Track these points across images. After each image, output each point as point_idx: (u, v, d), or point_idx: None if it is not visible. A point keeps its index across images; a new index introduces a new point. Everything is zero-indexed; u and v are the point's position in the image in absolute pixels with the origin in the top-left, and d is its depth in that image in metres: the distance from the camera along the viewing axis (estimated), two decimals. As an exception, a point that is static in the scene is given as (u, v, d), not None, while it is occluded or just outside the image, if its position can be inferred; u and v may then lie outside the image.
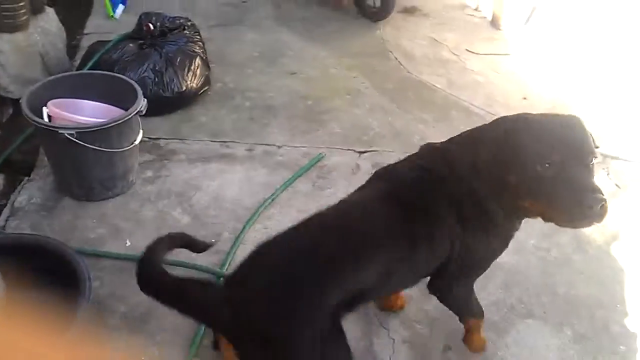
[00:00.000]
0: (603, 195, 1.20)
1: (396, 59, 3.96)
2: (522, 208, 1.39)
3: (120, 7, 4.19)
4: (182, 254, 2.17)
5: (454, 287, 1.70)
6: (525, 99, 3.60)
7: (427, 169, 1.50)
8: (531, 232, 2.52)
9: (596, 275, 2.35)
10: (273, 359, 1.26)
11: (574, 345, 2.05)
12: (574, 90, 3.74)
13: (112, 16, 4.08)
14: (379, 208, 1.47)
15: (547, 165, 1.22)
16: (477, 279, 1.79)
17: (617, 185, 2.93)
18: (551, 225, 2.53)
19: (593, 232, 2.58)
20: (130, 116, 2.23)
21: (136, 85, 2.40)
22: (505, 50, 4.20)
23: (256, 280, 1.31)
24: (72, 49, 3.67)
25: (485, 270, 1.71)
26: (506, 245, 1.62)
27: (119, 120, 2.20)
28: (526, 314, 2.15)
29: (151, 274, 1.30)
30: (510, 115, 1.40)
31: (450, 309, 1.82)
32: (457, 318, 2.07)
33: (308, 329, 1.25)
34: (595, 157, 1.29)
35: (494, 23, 4.65)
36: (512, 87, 3.72)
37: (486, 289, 2.20)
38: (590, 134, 1.33)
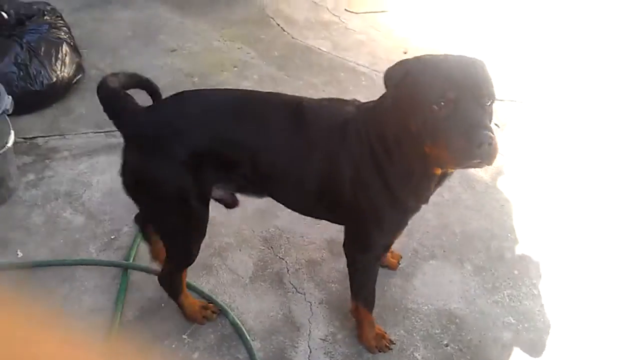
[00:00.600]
0: (493, 134, 1.17)
1: (278, 25, 3.93)
2: (423, 156, 1.32)
3: (-34, -3, 3.74)
4: (82, 251, 2.11)
5: (358, 250, 1.71)
6: (405, 52, 3.74)
7: (346, 103, 1.57)
8: (425, 179, 2.67)
9: (485, 210, 2.55)
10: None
11: (475, 277, 2.22)
12: (451, 40, 3.94)
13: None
14: (292, 110, 1.55)
15: (442, 103, 1.20)
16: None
17: (496, 124, 3.16)
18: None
19: (478, 170, 2.78)
20: (-5, 118, 2.03)
21: (-2, 83, 2.18)
22: (382, 7, 4.30)
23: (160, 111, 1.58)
24: None
25: (382, 230, 1.64)
26: (401, 209, 1.57)
27: (-18, 123, 1.99)
28: (429, 255, 2.29)
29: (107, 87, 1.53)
30: (412, 57, 1.36)
31: (350, 279, 1.81)
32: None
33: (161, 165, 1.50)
34: (493, 100, 1.26)
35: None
36: (393, 44, 3.84)
37: (391, 239, 2.32)
38: (491, 77, 1.31)
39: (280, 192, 1.70)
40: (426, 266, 2.25)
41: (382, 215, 1.58)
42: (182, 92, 1.61)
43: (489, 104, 1.25)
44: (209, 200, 1.64)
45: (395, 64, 1.37)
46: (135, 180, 1.58)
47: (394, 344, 1.91)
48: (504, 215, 2.54)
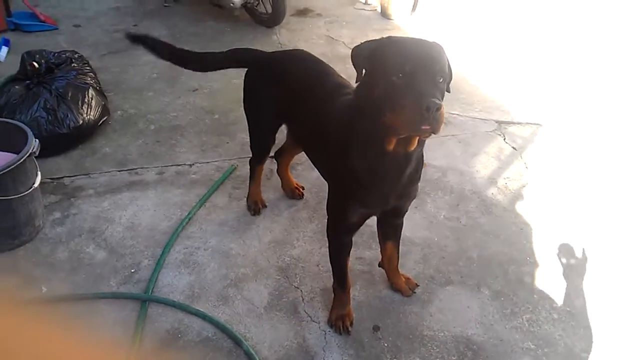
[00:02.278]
0: (440, 102, 1.33)
1: (295, 61, 4.03)
2: (381, 127, 1.48)
3: (4, 49, 4.01)
4: (103, 285, 2.18)
5: (327, 227, 1.97)
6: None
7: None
8: (440, 205, 2.67)
9: (503, 234, 2.52)
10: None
11: (493, 302, 2.18)
12: (464, 67, 3.97)
13: (-5, 59, 3.89)
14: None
15: (400, 75, 1.38)
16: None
17: (514, 148, 3.15)
18: (457, 194, 2.71)
19: (496, 194, 2.76)
20: (21, 160, 2.14)
21: (25, 127, 2.31)
22: (397, 38, 4.38)
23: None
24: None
25: (336, 206, 1.87)
26: (356, 185, 1.72)
27: (9, 166, 2.11)
28: (445, 281, 2.27)
29: None
30: (379, 38, 1.56)
31: None
32: (381, 297, 2.18)
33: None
34: (444, 78, 1.45)
35: (384, 14, 4.86)
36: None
37: (405, 265, 2.31)
38: (447, 60, 1.50)
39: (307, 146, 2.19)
40: (442, 292, 2.22)
41: (339, 189, 1.82)
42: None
43: (440, 80, 1.42)
44: (277, 127, 2.30)
45: (363, 42, 1.58)
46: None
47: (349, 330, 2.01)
48: (522, 239, 2.50)
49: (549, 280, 2.29)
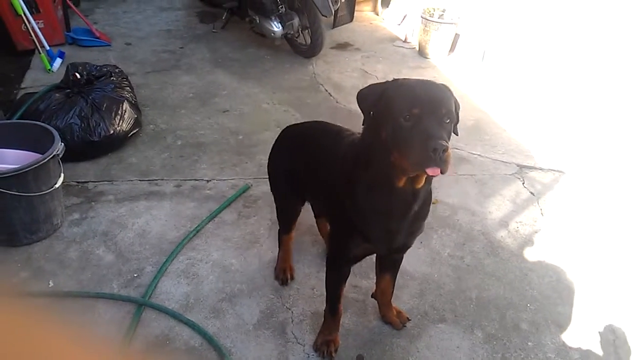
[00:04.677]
0: (447, 144, 1.37)
1: (326, 90, 4.15)
2: (389, 166, 1.50)
3: (58, 61, 4.31)
4: (105, 286, 2.28)
5: (327, 253, 2.02)
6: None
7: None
8: (446, 242, 2.66)
9: (506, 278, 2.47)
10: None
11: (484, 345, 2.14)
12: (492, 110, 3.97)
13: (49, 70, 4.18)
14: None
15: (407, 117, 1.41)
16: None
17: (531, 193, 3.09)
18: (465, 233, 2.69)
19: (506, 237, 2.72)
20: (44, 160, 2.30)
21: (53, 131, 2.48)
22: (431, 76, 4.43)
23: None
24: (9, 102, 3.74)
25: (339, 235, 1.86)
26: (361, 221, 1.72)
27: (32, 165, 2.27)
28: (438, 319, 2.24)
29: None
30: (389, 80, 1.60)
31: None
32: (370, 328, 2.18)
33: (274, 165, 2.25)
34: (452, 119, 1.46)
35: (422, 52, 4.92)
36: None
37: (400, 298, 2.31)
38: (455, 101, 1.52)
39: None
40: (434, 329, 2.19)
41: (344, 223, 1.80)
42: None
43: (447, 121, 1.44)
44: (296, 194, 2.21)
45: (368, 85, 1.62)
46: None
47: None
48: (525, 284, 2.45)
49: (548, 329, 2.22)
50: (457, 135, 1.58)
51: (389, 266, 2.09)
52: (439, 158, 1.34)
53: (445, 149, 1.34)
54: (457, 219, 2.82)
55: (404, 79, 1.56)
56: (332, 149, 1.87)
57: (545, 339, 2.19)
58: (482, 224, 2.80)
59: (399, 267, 2.10)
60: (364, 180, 1.63)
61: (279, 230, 2.41)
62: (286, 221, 2.34)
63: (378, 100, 1.52)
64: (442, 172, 1.37)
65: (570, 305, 2.35)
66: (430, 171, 1.37)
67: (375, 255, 2.10)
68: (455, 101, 1.53)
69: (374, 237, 1.74)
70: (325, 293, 2.04)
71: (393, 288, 2.15)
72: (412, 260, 2.51)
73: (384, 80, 1.62)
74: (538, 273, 2.52)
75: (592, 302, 2.38)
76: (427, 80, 1.55)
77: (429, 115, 1.40)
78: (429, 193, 1.73)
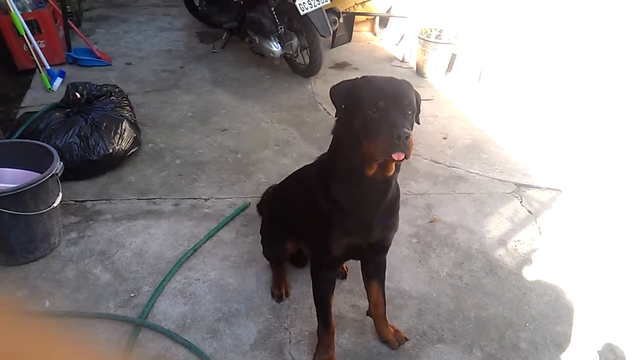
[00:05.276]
0: (409, 131, 1.53)
1: (325, 109, 4.17)
2: (360, 155, 1.63)
3: (59, 80, 4.34)
4: (102, 306, 2.27)
5: (311, 262, 2.11)
6: (445, 138, 3.82)
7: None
8: (445, 261, 2.65)
9: (505, 297, 2.46)
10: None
11: (483, 366, 2.12)
12: (490, 128, 3.99)
13: (49, 89, 4.21)
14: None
15: (374, 109, 1.57)
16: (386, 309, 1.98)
17: (529, 211, 3.10)
18: (463, 252, 2.69)
19: (504, 256, 2.71)
20: (43, 180, 2.31)
21: (53, 150, 2.49)
22: (428, 95, 4.46)
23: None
24: (9, 121, 3.76)
25: (319, 235, 1.91)
26: (337, 214, 1.81)
27: (31, 184, 2.27)
28: (437, 339, 2.23)
29: None
30: (358, 77, 1.73)
31: None
32: (369, 348, 2.16)
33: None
34: (413, 111, 1.62)
35: (419, 72, 4.96)
36: (433, 129, 3.94)
37: (399, 318, 2.29)
38: (416, 94, 1.69)
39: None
40: (432, 350, 2.18)
41: (321, 224, 1.87)
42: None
43: (409, 112, 1.61)
44: (280, 237, 2.32)
45: (340, 82, 1.76)
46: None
47: None
48: (524, 304, 2.43)
49: (547, 349, 2.21)
50: (419, 124, 1.73)
51: (374, 273, 2.13)
52: (402, 144, 1.51)
53: (408, 136, 1.51)
54: (455, 238, 2.82)
55: (372, 76, 1.73)
56: (306, 174, 2.04)
57: (544, 359, 2.17)
58: (481, 243, 2.80)
59: (384, 272, 2.13)
60: (340, 169, 1.74)
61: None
62: (273, 257, 2.47)
63: (348, 94, 1.67)
64: (406, 157, 1.54)
65: (570, 325, 2.34)
66: (395, 156, 1.53)
67: (360, 265, 2.15)
68: (416, 94, 1.69)
69: (351, 227, 1.82)
70: (315, 309, 2.04)
71: (384, 299, 2.16)
72: (411, 279, 2.51)
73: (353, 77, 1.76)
74: (537, 292, 2.51)
75: (592, 321, 2.36)
76: (391, 77, 1.71)
77: (394, 107, 1.57)
78: (398, 188, 1.87)
